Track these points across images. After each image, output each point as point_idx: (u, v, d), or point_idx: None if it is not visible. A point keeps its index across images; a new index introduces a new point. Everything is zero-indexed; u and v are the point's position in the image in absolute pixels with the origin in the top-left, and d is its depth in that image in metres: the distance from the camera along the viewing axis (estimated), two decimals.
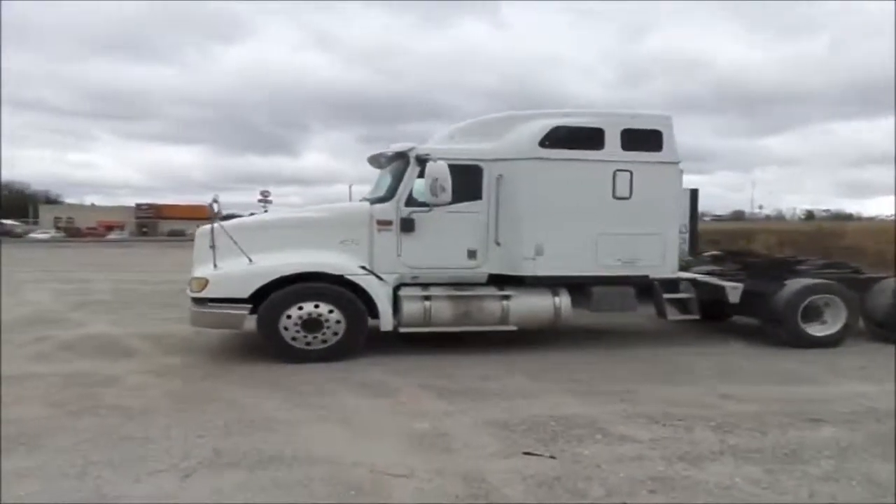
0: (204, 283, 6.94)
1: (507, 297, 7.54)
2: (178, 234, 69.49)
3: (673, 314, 8.14)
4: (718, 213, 64.96)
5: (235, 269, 6.98)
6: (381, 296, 7.23)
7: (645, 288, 8.07)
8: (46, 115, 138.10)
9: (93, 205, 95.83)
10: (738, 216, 68.18)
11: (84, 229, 73.31)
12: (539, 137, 7.54)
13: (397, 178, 7.59)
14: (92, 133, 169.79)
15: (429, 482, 3.86)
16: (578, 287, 7.85)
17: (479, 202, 7.59)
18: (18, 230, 68.56)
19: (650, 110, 9.06)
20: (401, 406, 5.52)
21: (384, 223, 7.43)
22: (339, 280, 7.10)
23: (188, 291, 7.17)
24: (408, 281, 7.54)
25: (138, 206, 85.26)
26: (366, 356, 7.24)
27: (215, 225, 7.00)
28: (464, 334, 7.70)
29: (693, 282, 8.46)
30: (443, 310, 7.39)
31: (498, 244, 7.58)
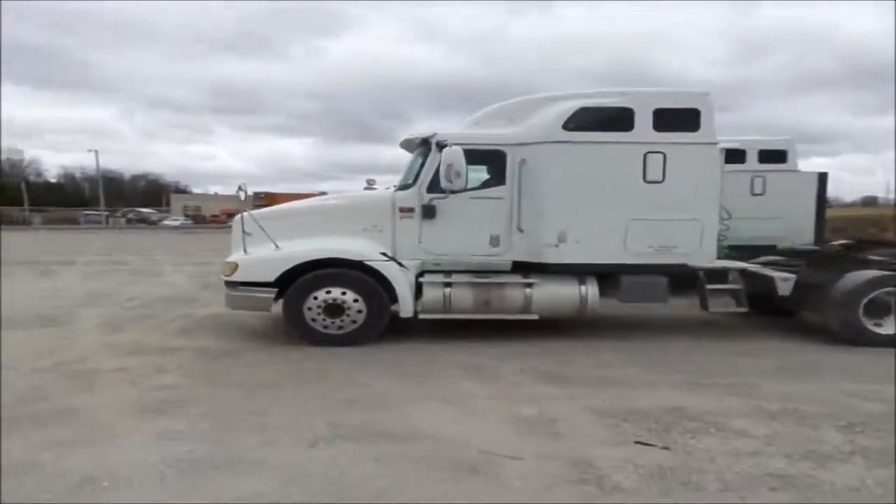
0: (234, 267, 7.30)
1: (529, 285, 7.40)
2: None
3: (716, 306, 7.62)
4: (848, 199, 59.68)
5: (262, 255, 7.26)
6: (400, 282, 7.25)
7: (686, 278, 7.63)
8: (172, 112, 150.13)
9: (216, 193, 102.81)
10: (869, 202, 62.23)
11: (209, 217, 78.84)
12: (563, 120, 7.28)
13: (421, 165, 7.57)
14: (212, 127, 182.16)
15: (539, 465, 3.93)
16: (609, 276, 7.57)
17: (502, 188, 7.44)
18: (154, 217, 74.98)
19: (686, 88, 8.18)
20: (511, 390, 5.61)
21: (406, 210, 7.46)
22: (360, 266, 7.21)
23: (221, 275, 7.54)
24: (430, 268, 7.54)
25: (256, 194, 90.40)
26: (474, 340, 7.40)
27: (245, 213, 7.37)
28: (582, 322, 7.67)
29: (742, 272, 7.89)
30: (463, 297, 7.36)
31: (521, 231, 7.40)
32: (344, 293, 7.16)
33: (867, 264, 7.97)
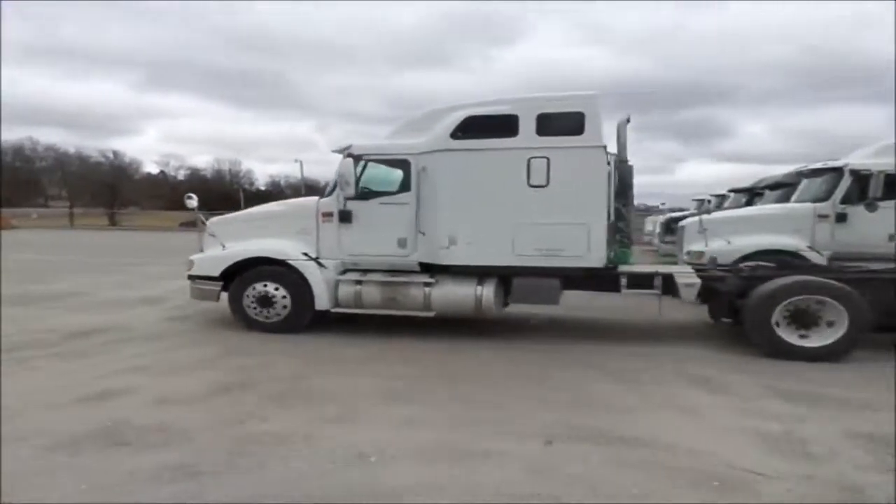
0: (191, 264, 8.55)
1: (429, 285, 7.77)
2: None
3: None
4: None
5: (210, 254, 8.53)
6: (316, 278, 8.00)
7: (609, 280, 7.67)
8: (362, 123, 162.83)
9: None
10: None
11: None
12: (451, 129, 7.57)
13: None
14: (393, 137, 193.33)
15: (799, 486, 3.66)
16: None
17: (407, 194, 7.82)
18: None
19: (576, 90, 7.35)
20: (745, 404, 5.29)
21: (327, 215, 8.14)
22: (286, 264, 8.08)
23: (186, 270, 8.70)
24: (351, 267, 8.16)
25: None
26: (696, 348, 7.11)
27: (200, 217, 8.72)
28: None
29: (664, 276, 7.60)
30: (372, 294, 7.93)
31: (423, 234, 7.75)
32: (277, 288, 8.10)
33: (800, 270, 7.65)
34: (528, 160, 7.34)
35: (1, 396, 5.24)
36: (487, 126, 7.52)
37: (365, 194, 7.97)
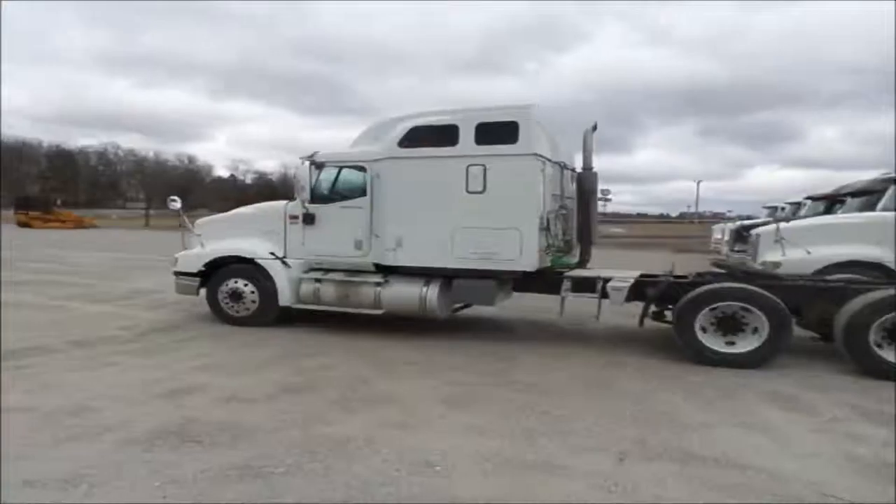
0: (175, 261, 9.26)
1: (379, 284, 8.16)
2: None
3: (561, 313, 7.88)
4: None
5: (191, 252, 9.27)
6: (279, 276, 8.59)
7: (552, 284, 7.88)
8: None
9: None
10: None
11: None
12: (399, 138, 7.98)
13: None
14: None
15: None
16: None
17: (364, 199, 8.22)
18: None
19: (516, 102, 7.68)
20: (828, 424, 4.96)
21: (293, 217, 8.64)
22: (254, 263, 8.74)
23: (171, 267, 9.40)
24: (315, 266, 8.61)
25: None
26: (776, 367, 6.75)
27: (184, 218, 9.42)
28: None
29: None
30: (329, 292, 8.41)
31: (376, 236, 8.15)
32: (246, 284, 8.75)
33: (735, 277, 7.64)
34: (467, 167, 7.65)
35: (1, 398, 5.38)
36: (431, 136, 7.91)
37: (327, 198, 8.50)
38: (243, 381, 5.98)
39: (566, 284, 7.78)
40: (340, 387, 5.82)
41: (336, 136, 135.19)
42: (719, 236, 24.98)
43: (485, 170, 7.56)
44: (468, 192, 7.64)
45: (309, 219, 8.52)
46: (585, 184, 8.46)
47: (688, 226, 76.15)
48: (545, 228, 7.74)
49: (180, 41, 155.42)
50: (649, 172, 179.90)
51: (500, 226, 7.56)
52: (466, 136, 7.67)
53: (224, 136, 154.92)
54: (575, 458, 4.18)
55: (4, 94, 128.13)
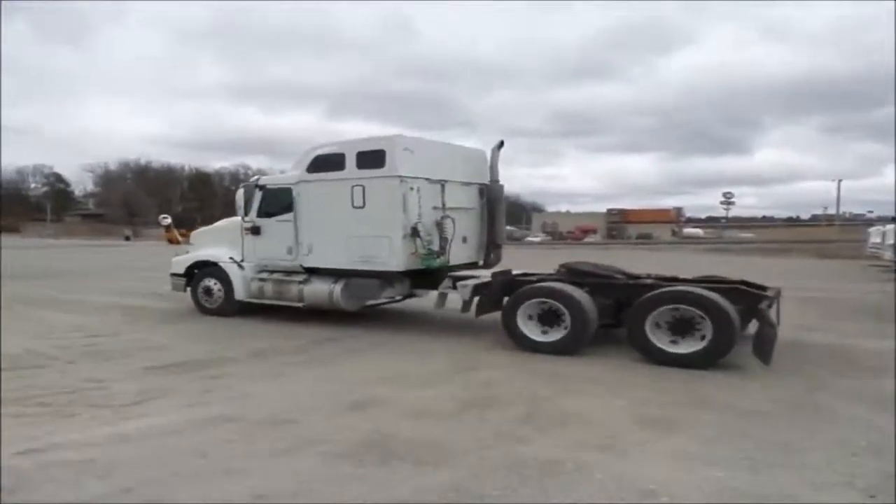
0: (171, 264, 11.69)
1: (301, 283, 9.93)
2: (645, 238, 72.11)
3: (439, 306, 9.26)
4: None
5: (181, 257, 11.63)
6: (234, 276, 10.67)
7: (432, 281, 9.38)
8: (526, 139, 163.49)
9: (567, 211, 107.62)
10: None
11: (565, 233, 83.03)
12: (306, 164, 9.70)
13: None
14: (560, 150, 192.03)
15: None
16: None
17: (291, 214, 9.95)
18: (517, 234, 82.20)
19: (387, 134, 9.22)
20: None
21: (247, 229, 10.51)
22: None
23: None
24: (262, 268, 10.52)
25: (609, 211, 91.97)
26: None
27: (175, 233, 12.88)
28: None
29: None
30: (269, 289, 10.30)
31: (300, 243, 9.90)
32: (214, 283, 10.95)
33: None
34: (352, 187, 9.16)
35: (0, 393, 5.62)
36: (327, 162, 9.49)
37: (269, 213, 10.27)
38: (422, 394, 5.94)
39: (446, 282, 9.16)
40: (521, 403, 5.63)
41: None
42: (878, 240, 22.66)
43: (364, 189, 9.09)
44: (353, 207, 9.19)
45: (256, 230, 10.46)
46: (491, 194, 10.11)
47: (824, 229, 70.01)
48: (414, 235, 8.90)
49: (300, 70, 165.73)
50: (772, 173, 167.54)
51: (376, 234, 9.06)
52: (350, 162, 9.23)
53: None
54: (819, 494, 3.71)
55: (150, 124, 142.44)
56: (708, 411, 5.37)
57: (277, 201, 10.15)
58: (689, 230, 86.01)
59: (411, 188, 8.88)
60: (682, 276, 8.49)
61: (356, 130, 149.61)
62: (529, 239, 74.36)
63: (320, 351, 8.11)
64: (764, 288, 7.85)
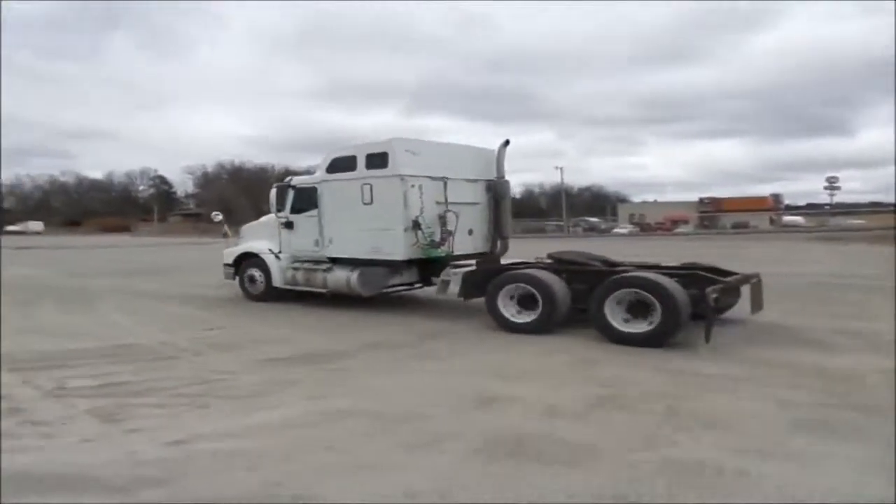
0: (223, 255, 13.18)
1: (325, 271, 11.04)
2: (741, 227, 68.44)
3: (440, 292, 10.22)
4: None
5: (230, 249, 12.99)
6: (272, 265, 11.95)
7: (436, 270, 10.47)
8: (607, 128, 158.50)
9: (654, 201, 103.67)
10: None
11: (654, 224, 79.99)
12: (326, 166, 10.99)
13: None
14: (642, 138, 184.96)
15: None
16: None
17: (316, 210, 11.14)
18: (602, 226, 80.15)
19: (389, 137, 10.28)
20: None
21: (281, 224, 11.79)
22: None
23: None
24: (296, 258, 11.72)
25: (701, 200, 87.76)
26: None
27: (226, 228, 13.94)
28: None
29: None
30: (299, 277, 11.50)
31: (324, 236, 11.07)
32: (256, 271, 12.29)
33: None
34: (361, 186, 10.29)
35: (1, 398, 5.57)
36: (342, 163, 10.73)
37: (300, 210, 11.52)
38: (547, 391, 5.71)
39: (447, 270, 10.06)
40: (655, 401, 5.29)
41: (528, 142, 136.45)
42: None
43: (371, 187, 10.22)
44: (363, 203, 10.32)
45: (289, 225, 11.77)
46: (497, 190, 11.01)
47: None
48: (415, 228, 9.83)
49: (380, 69, 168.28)
50: (878, 155, 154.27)
51: (382, 227, 10.12)
52: (361, 163, 10.41)
53: None
54: None
55: (244, 128, 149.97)
56: (862, 416, 4.84)
57: (306, 199, 11.39)
58: (788, 218, 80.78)
59: (412, 186, 9.92)
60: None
61: (437, 126, 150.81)
62: (616, 231, 72.24)
63: (432, 345, 8.04)
64: (729, 273, 8.55)
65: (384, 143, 10.18)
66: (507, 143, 11.00)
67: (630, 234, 65.90)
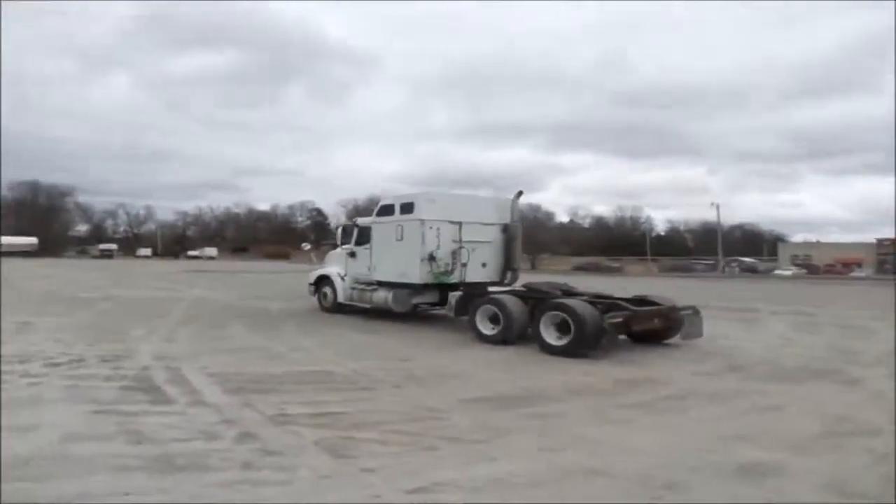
0: (308, 276, 16.99)
1: (372, 291, 14.32)
2: None
3: (450, 310, 12.54)
4: None
5: (314, 273, 16.69)
6: (339, 286, 15.48)
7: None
8: (758, 163, 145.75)
9: (818, 241, 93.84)
10: None
11: (822, 266, 72.43)
12: (376, 211, 14.53)
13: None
14: (799, 174, 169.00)
15: None
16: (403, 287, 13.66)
17: (369, 244, 14.57)
18: (760, 268, 73.79)
19: (418, 191, 14.04)
20: None
21: (349, 254, 15.33)
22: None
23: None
24: (357, 280, 15.01)
25: (880, 241, 78.00)
26: None
27: (312, 255, 20.86)
28: None
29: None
30: (356, 295, 14.96)
31: (372, 264, 14.37)
32: (329, 290, 15.82)
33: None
34: (396, 227, 13.42)
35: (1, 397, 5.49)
36: (386, 210, 14.00)
37: (361, 243, 14.81)
38: (817, 462, 4.80)
39: (452, 294, 12.45)
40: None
41: (661, 177, 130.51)
42: None
43: (402, 228, 13.23)
44: (396, 240, 13.37)
45: (353, 254, 15.09)
46: (509, 232, 13.81)
47: None
48: (431, 260, 12.70)
49: (518, 107, 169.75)
50: None
51: (407, 258, 13.03)
52: (397, 210, 13.56)
53: (558, 185, 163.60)
54: None
55: (391, 165, 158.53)
56: None
57: (364, 235, 14.76)
58: None
59: (430, 227, 12.83)
60: None
61: (575, 161, 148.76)
62: (778, 272, 66.15)
63: (645, 393, 7.27)
64: (656, 304, 10.77)
65: (413, 195, 13.57)
66: (520, 193, 14.35)
67: (794, 276, 59.97)
